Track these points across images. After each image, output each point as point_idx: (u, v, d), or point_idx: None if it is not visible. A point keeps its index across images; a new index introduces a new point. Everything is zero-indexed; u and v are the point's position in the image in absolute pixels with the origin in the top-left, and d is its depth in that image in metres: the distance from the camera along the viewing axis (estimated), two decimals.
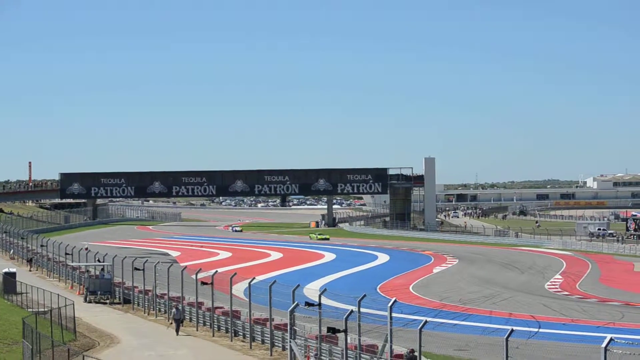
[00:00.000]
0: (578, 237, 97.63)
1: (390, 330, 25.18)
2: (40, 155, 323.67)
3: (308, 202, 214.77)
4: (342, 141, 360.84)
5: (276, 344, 32.40)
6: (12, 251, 72.51)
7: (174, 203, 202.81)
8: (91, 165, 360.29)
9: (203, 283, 38.10)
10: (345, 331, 26.58)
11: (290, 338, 29.40)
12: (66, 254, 58.23)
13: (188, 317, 39.57)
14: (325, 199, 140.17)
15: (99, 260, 52.13)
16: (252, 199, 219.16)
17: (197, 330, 38.18)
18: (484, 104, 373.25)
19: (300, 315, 31.37)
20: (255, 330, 34.07)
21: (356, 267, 67.83)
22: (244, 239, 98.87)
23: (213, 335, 36.60)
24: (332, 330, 27.22)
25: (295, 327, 29.72)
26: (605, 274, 63.93)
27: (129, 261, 47.42)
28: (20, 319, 32.29)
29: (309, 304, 29.15)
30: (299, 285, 31.68)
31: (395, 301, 25.95)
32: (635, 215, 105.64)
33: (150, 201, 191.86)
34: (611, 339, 18.84)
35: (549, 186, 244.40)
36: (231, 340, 35.14)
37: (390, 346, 25.24)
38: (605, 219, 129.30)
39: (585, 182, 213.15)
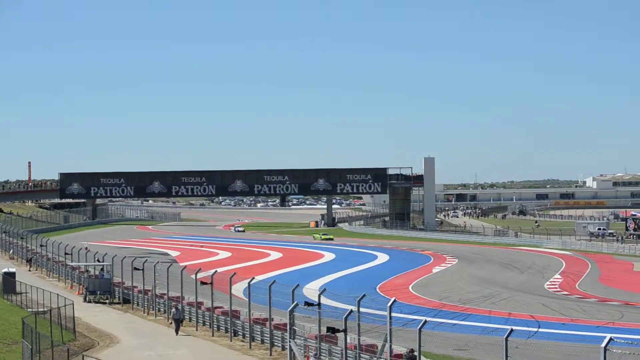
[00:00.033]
0: (577, 236, 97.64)
1: (390, 330, 25.18)
2: (39, 155, 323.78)
3: (307, 202, 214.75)
4: (341, 141, 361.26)
5: (276, 343, 32.39)
6: (11, 251, 72.51)
7: (174, 203, 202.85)
8: (91, 165, 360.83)
9: (202, 283, 38.10)
10: (344, 331, 26.58)
11: (290, 338, 29.40)
12: (66, 253, 58.23)
13: (187, 317, 39.57)
14: (325, 198, 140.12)
15: (98, 260, 52.12)
16: (251, 199, 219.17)
17: (196, 330, 38.18)
18: (484, 104, 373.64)
19: (300, 315, 31.37)
20: (255, 330, 34.06)
21: (356, 266, 67.83)
22: (244, 239, 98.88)
23: (212, 335, 36.60)
24: (332, 330, 27.22)
25: (294, 327, 29.72)
26: (604, 274, 63.95)
27: (128, 261, 47.43)
28: (20, 318, 32.29)
29: (308, 303, 29.15)
30: (298, 285, 31.67)
31: (394, 301, 25.95)
32: (635, 215, 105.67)
33: (150, 201, 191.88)
34: (611, 339, 18.84)
35: (548, 186, 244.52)
36: (231, 340, 35.14)
37: (390, 346, 25.23)
38: (605, 218, 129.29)
39: (584, 182, 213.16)
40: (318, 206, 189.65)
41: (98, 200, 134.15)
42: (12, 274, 49.40)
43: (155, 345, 34.59)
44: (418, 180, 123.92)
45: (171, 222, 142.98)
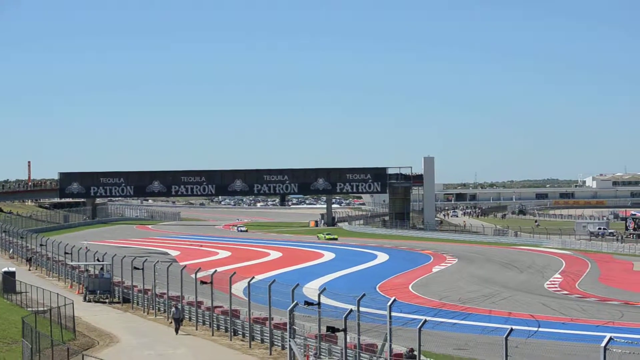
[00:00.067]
0: (577, 236, 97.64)
1: (390, 329, 25.17)
2: (39, 155, 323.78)
3: (307, 202, 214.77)
4: (341, 141, 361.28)
5: (275, 343, 32.40)
6: (11, 250, 72.50)
7: (173, 202, 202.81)
8: (90, 164, 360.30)
9: (202, 282, 38.11)
10: (344, 330, 26.58)
11: (290, 337, 29.40)
12: (65, 253, 58.24)
13: (187, 317, 39.57)
14: (325, 198, 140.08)
15: (98, 260, 52.14)
16: (251, 199, 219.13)
17: (196, 329, 38.18)
18: (484, 104, 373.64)
19: (300, 315, 31.38)
20: (255, 329, 34.07)
21: (355, 266, 67.83)
22: (243, 238, 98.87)
23: (212, 335, 36.61)
24: (332, 330, 27.21)
25: (294, 326, 29.72)
26: (604, 273, 63.95)
27: (128, 260, 47.42)
28: (20, 318, 32.28)
29: (308, 303, 29.14)
30: (298, 285, 31.66)
31: (394, 300, 25.95)
32: (635, 215, 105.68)
33: (150, 200, 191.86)
34: (610, 338, 18.84)
35: (548, 185, 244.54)
36: (230, 340, 35.14)
37: (390, 345, 25.23)
38: (605, 218, 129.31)
39: (584, 182, 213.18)
40: (318, 206, 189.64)
41: (98, 199, 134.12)
42: (12, 274, 49.43)
43: (155, 344, 34.59)
44: (418, 179, 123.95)
45: (171, 221, 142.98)
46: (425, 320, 24.18)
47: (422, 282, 56.67)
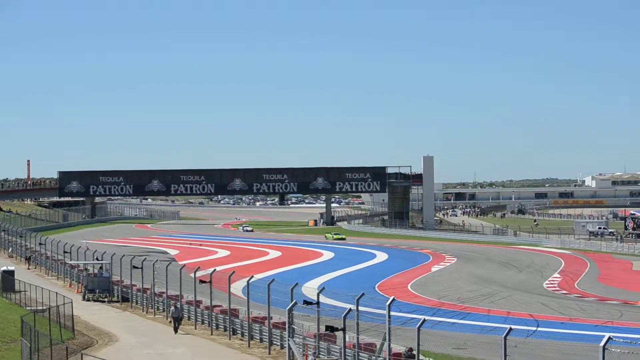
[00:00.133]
0: (576, 235, 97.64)
1: (389, 328, 25.17)
2: (39, 154, 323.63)
3: (306, 201, 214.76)
4: (341, 140, 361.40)
5: (274, 342, 32.40)
6: (10, 249, 72.47)
7: (173, 201, 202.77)
8: (90, 163, 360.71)
9: (201, 281, 38.11)
10: (343, 330, 26.58)
11: (289, 336, 29.41)
12: (64, 252, 58.23)
13: (186, 316, 39.57)
14: (324, 197, 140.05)
15: (97, 259, 52.12)
16: (250, 198, 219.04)
17: (195, 328, 38.19)
18: (484, 104, 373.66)
19: (299, 314, 31.41)
20: (254, 328, 34.08)
21: (355, 265, 67.84)
22: (243, 238, 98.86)
23: (211, 334, 36.61)
24: (331, 329, 27.22)
25: (293, 326, 29.74)
26: (603, 273, 63.95)
27: (127, 259, 47.43)
28: (19, 317, 32.29)
29: (307, 302, 29.14)
30: (297, 284, 31.66)
31: (393, 300, 25.94)
32: (634, 214, 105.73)
33: (149, 199, 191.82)
34: (609, 338, 18.84)
35: (547, 185, 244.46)
36: (229, 339, 35.14)
37: (389, 345, 25.23)
38: (604, 217, 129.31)
39: (583, 181, 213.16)
40: (317, 205, 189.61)
41: (97, 198, 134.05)
42: (11, 272, 49.44)
43: (154, 343, 34.59)
44: (417, 179, 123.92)
45: (170, 220, 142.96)
46: (424, 320, 24.18)
47: (421, 282, 56.68)
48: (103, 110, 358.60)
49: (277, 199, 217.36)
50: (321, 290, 29.96)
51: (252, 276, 36.50)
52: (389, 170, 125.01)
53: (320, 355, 28.16)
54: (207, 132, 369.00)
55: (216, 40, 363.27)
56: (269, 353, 31.95)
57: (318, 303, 28.72)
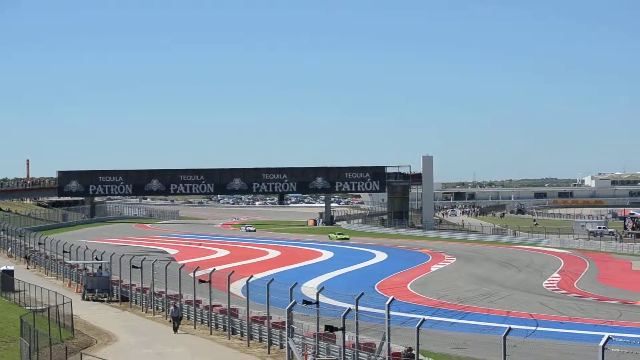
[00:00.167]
0: (576, 235, 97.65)
1: (388, 328, 25.16)
2: (38, 154, 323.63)
3: (306, 201, 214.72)
4: (341, 140, 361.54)
5: (274, 342, 32.40)
6: (9, 249, 72.46)
7: (172, 201, 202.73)
8: (89, 163, 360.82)
9: (201, 281, 38.10)
10: (343, 329, 26.57)
11: (288, 336, 29.40)
12: (64, 251, 58.21)
13: (186, 315, 39.57)
14: (323, 197, 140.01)
15: (96, 258, 52.10)
16: (249, 197, 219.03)
17: (194, 328, 38.18)
18: (484, 104, 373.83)
19: (298, 314, 31.40)
20: (253, 328, 34.07)
21: (354, 265, 67.83)
22: (242, 238, 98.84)
23: (211, 333, 36.60)
24: (330, 329, 27.21)
25: (293, 325, 29.73)
26: (603, 273, 63.95)
27: (126, 259, 47.42)
28: (18, 316, 32.29)
29: (306, 302, 29.13)
30: (296, 284, 31.67)
31: (393, 299, 25.94)
32: (633, 214, 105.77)
33: (148, 199, 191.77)
34: (609, 338, 18.83)
35: (546, 185, 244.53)
36: (229, 339, 35.13)
37: (388, 344, 25.23)
38: (603, 217, 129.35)
39: (583, 181, 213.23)
40: (316, 204, 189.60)
41: (96, 198, 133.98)
42: (11, 272, 49.43)
43: (153, 343, 34.59)
44: (416, 178, 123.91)
45: (169, 220, 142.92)
46: (424, 319, 24.17)
47: (421, 281, 56.66)
48: (103, 110, 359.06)
49: (276, 199, 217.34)
50: (320, 289, 29.96)
51: (252, 276, 36.49)
52: (389, 170, 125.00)
53: (320, 355, 28.16)
54: (206, 131, 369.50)
55: (216, 40, 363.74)
56: (269, 353, 31.94)
57: (317, 303, 28.71)
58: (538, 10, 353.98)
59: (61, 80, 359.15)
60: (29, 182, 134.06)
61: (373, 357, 26.02)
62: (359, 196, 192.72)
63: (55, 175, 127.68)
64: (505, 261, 71.24)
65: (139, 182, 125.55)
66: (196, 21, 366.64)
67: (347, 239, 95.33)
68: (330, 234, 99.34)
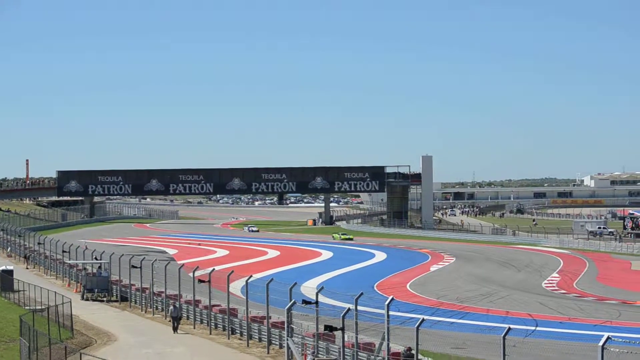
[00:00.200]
0: (575, 235, 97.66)
1: (388, 328, 25.16)
2: (38, 154, 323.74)
3: (305, 200, 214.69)
4: (340, 140, 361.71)
5: (273, 342, 32.39)
6: (9, 249, 72.44)
7: (171, 201, 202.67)
8: (89, 163, 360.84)
9: (200, 281, 38.10)
10: (342, 329, 26.57)
11: (288, 336, 29.39)
12: (63, 251, 58.19)
13: (185, 315, 39.56)
14: (323, 197, 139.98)
15: (96, 258, 52.10)
16: (249, 197, 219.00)
17: (194, 328, 38.18)
18: (483, 104, 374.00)
19: (298, 313, 31.39)
20: (253, 328, 34.07)
21: (353, 265, 67.83)
22: (242, 237, 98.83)
23: (210, 333, 36.60)
24: (329, 328, 27.21)
25: (292, 325, 29.72)
26: (602, 273, 63.96)
27: (126, 259, 47.41)
28: (18, 316, 32.28)
29: (306, 302, 29.13)
30: (296, 283, 31.66)
31: (392, 299, 25.94)
32: (632, 214, 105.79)
33: (148, 199, 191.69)
34: (608, 338, 18.83)
35: (546, 184, 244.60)
36: (228, 338, 35.13)
37: (388, 344, 25.23)
38: (603, 217, 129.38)
39: (582, 181, 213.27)
40: (316, 204, 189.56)
41: (96, 198, 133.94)
42: (10, 272, 49.42)
43: (153, 343, 34.58)
44: (416, 178, 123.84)
45: (169, 220, 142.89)
46: (423, 319, 24.16)
47: (420, 281, 56.67)
48: (102, 110, 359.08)
49: (275, 199, 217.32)
50: (320, 289, 29.96)
51: (251, 276, 36.48)
52: (388, 170, 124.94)
53: (319, 355, 28.16)
54: (206, 131, 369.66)
55: (216, 40, 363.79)
56: (268, 352, 31.94)
57: (317, 302, 28.71)
58: (538, 10, 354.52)
59: (61, 80, 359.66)
60: (28, 182, 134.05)
61: (372, 357, 26.02)
62: (359, 196, 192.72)
63: (54, 175, 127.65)
64: (504, 261, 71.26)
65: (138, 182, 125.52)
66: (196, 21, 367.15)
67: (351, 239, 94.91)
68: (334, 234, 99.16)
